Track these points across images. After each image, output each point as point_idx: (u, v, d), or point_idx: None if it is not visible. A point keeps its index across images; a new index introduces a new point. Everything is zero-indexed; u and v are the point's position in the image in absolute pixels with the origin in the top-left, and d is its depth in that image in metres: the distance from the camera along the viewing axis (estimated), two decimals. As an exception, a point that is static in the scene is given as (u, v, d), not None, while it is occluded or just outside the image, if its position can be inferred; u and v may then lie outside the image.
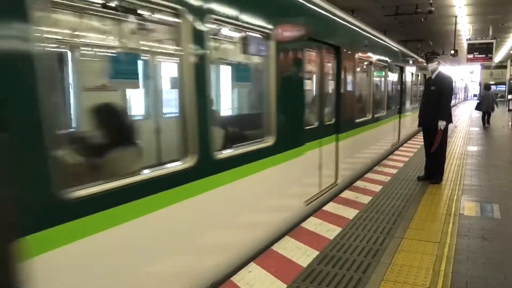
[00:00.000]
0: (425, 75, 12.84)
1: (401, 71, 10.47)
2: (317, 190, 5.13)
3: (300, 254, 3.57)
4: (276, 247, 3.71)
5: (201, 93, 2.83)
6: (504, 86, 32.49)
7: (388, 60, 8.83)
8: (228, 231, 3.32)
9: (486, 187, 5.98)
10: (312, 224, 4.35)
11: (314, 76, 5.32)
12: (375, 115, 7.87)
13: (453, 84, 7.37)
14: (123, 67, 2.88)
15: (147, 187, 2.42)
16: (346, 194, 5.58)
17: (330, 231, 4.13)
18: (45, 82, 1.84)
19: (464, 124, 16.85)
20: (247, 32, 3.61)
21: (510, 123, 16.08)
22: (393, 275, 3.18)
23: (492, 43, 18.52)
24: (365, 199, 5.31)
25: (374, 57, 7.64)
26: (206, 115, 2.87)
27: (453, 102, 34.39)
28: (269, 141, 3.81)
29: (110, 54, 3.86)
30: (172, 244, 2.70)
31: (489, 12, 15.70)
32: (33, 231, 1.79)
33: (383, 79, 8.91)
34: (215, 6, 2.92)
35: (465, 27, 19.61)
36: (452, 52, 18.84)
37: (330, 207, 4.96)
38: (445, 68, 27.78)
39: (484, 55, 18.83)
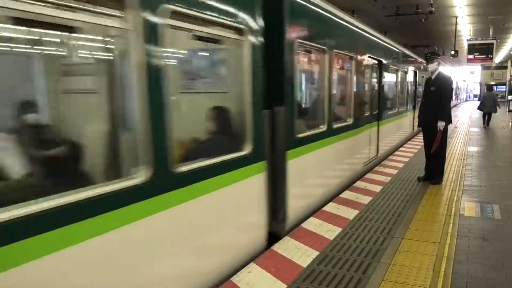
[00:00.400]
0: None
1: (415, 75, 12.37)
2: (368, 157, 7.42)
3: (300, 254, 3.58)
4: (276, 247, 3.71)
5: (329, 93, 5.22)
6: (505, 86, 32.54)
7: (407, 67, 10.99)
8: (341, 166, 6.03)
9: (486, 188, 5.98)
10: (312, 224, 4.35)
11: (368, 80, 7.47)
12: (399, 110, 10.36)
13: (453, 84, 8.64)
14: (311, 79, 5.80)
15: (314, 137, 4.84)
16: (346, 194, 5.59)
17: (330, 232, 4.14)
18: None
19: (464, 124, 16.85)
20: (345, 57, 6.10)
21: (510, 124, 16.08)
22: (393, 275, 3.19)
23: (492, 44, 18.52)
24: (365, 199, 5.32)
25: (400, 65, 9.92)
26: (331, 104, 5.26)
27: (455, 102, 34.71)
28: (349, 121, 6.15)
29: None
30: (318, 170, 5.15)
31: (490, 12, 15.69)
32: (288, 149, 4.09)
33: (403, 81, 10.87)
34: (335, 45, 5.43)
35: (465, 28, 19.60)
36: (453, 52, 18.81)
37: (330, 207, 4.97)
38: (446, 69, 27.77)
39: (484, 56, 18.83)
